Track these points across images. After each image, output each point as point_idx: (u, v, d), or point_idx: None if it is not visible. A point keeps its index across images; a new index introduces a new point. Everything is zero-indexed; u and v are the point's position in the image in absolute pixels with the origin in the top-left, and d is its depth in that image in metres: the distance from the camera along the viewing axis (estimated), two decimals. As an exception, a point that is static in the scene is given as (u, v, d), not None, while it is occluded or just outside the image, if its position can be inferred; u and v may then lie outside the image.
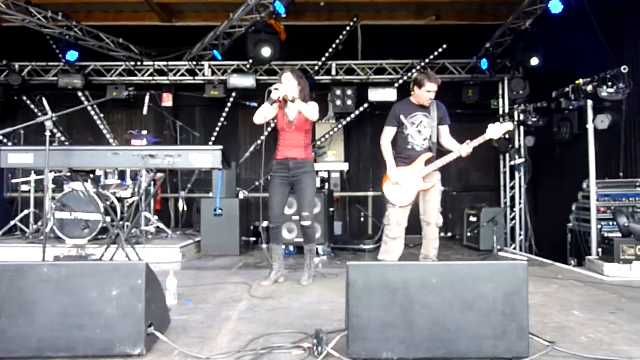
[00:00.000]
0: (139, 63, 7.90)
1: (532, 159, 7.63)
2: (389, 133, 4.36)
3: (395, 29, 8.19)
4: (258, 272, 4.84)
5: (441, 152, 4.40)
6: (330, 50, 7.82)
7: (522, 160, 6.92)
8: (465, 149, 4.17)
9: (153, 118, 8.17)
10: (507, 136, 7.45)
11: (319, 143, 8.04)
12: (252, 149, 8.22)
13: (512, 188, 8.02)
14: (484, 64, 7.47)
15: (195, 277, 4.70)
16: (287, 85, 3.94)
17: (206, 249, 6.02)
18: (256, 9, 6.47)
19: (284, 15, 6.11)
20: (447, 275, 2.37)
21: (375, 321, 2.35)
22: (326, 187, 6.14)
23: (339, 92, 7.88)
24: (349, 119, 8.07)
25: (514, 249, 7.80)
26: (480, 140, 4.15)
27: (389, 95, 7.69)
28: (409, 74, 7.94)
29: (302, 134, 4.03)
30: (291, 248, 5.99)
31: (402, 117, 4.28)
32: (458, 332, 2.32)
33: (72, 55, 7.14)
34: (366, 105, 7.94)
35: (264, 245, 4.72)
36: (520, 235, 7.89)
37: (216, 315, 3.23)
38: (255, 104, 8.10)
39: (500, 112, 8.05)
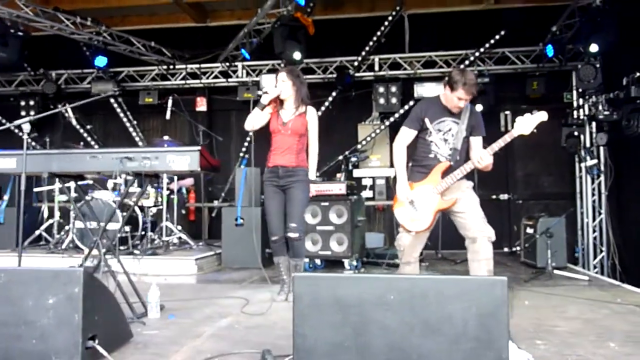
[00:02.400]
0: (171, 66, 8.22)
1: (614, 160, 6.99)
2: (406, 136, 3.87)
3: (447, 16, 7.92)
4: (268, 286, 4.79)
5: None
6: (371, 43, 7.68)
7: (595, 161, 6.31)
8: (483, 158, 3.62)
9: (187, 123, 8.45)
10: (581, 134, 6.90)
11: (359, 146, 7.91)
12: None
13: (592, 195, 7.37)
14: (550, 51, 6.97)
15: (199, 290, 4.77)
16: (281, 85, 4.01)
17: (227, 261, 6.08)
18: (282, 2, 6.50)
19: (303, 6, 6.09)
20: (407, 291, 2.17)
21: (324, 343, 2.20)
22: (355, 194, 5.97)
23: (382, 90, 7.72)
24: (392, 119, 7.84)
25: (595, 267, 7.17)
26: (506, 138, 3.57)
27: (438, 90, 7.34)
28: (462, 66, 7.60)
29: (296, 138, 4.05)
30: (317, 261, 5.89)
31: (427, 120, 3.81)
32: (420, 360, 2.12)
33: (100, 61, 7.59)
34: (412, 103, 7.67)
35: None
36: (602, 251, 7.23)
37: (189, 331, 3.22)
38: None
39: (575, 105, 7.46)
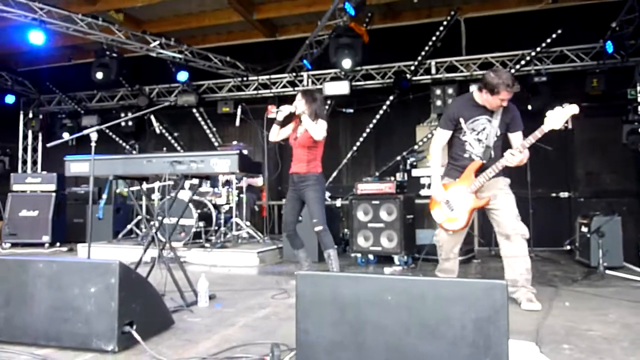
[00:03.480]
0: (245, 78, 8.40)
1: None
2: (441, 137, 3.69)
3: (504, 18, 7.41)
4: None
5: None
6: (427, 48, 7.36)
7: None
8: (511, 157, 3.38)
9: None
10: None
11: (416, 147, 7.61)
12: (349, 155, 8.13)
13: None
14: (610, 47, 6.29)
15: (254, 281, 4.78)
16: (296, 104, 4.20)
17: (287, 255, 6.06)
18: (338, 14, 6.39)
19: (354, 16, 5.92)
20: (404, 292, 1.99)
21: (324, 340, 2.09)
22: (405, 192, 5.72)
23: (438, 92, 7.38)
24: (448, 120, 7.46)
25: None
26: (537, 134, 3.30)
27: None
28: (518, 66, 7.08)
29: (305, 150, 4.22)
30: (370, 256, 5.74)
31: (461, 120, 3.59)
32: (416, 362, 1.93)
33: (182, 76, 7.89)
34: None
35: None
36: (668, 251, 6.40)
37: (227, 320, 3.21)
38: (351, 110, 8.05)
39: (639, 100, 6.67)
